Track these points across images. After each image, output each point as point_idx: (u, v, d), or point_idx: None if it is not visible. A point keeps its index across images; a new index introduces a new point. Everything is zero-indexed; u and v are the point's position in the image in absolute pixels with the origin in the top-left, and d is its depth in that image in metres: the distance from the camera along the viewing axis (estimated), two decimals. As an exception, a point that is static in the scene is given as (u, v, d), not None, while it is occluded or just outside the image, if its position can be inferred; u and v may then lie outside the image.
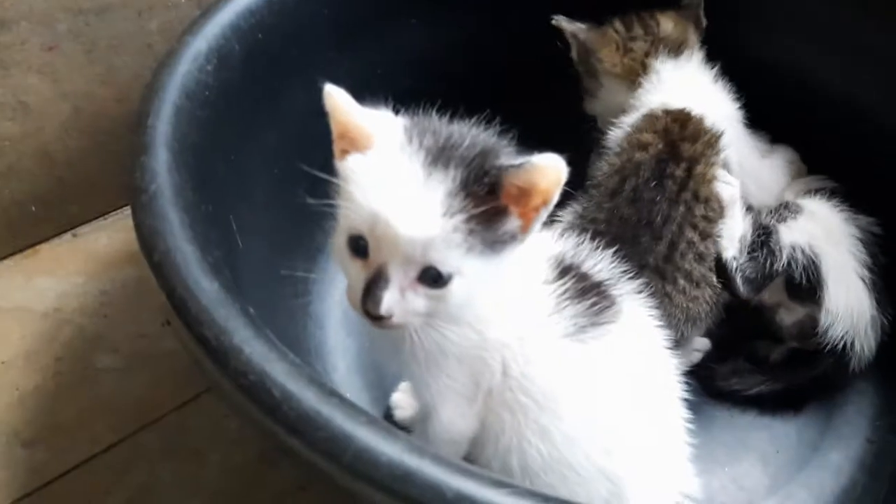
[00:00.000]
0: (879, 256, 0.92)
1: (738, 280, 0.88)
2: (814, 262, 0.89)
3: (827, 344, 0.88)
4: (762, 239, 0.90)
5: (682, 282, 0.84)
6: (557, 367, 0.66)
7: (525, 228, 0.61)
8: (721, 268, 0.88)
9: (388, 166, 0.59)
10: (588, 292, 0.68)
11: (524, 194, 0.59)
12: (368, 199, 0.58)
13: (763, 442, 0.89)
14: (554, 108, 1.14)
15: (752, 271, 0.89)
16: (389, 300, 0.58)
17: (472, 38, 1.13)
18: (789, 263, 0.89)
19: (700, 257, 0.86)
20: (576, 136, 1.11)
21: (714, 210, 0.88)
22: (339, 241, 0.62)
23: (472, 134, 0.62)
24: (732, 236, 0.89)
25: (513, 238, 0.61)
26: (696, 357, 0.93)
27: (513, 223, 0.60)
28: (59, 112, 0.99)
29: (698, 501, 0.73)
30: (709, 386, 0.93)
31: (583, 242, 0.72)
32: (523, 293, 0.67)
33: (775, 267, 0.89)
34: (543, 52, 1.15)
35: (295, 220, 0.93)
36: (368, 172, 0.60)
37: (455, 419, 0.69)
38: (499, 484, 0.50)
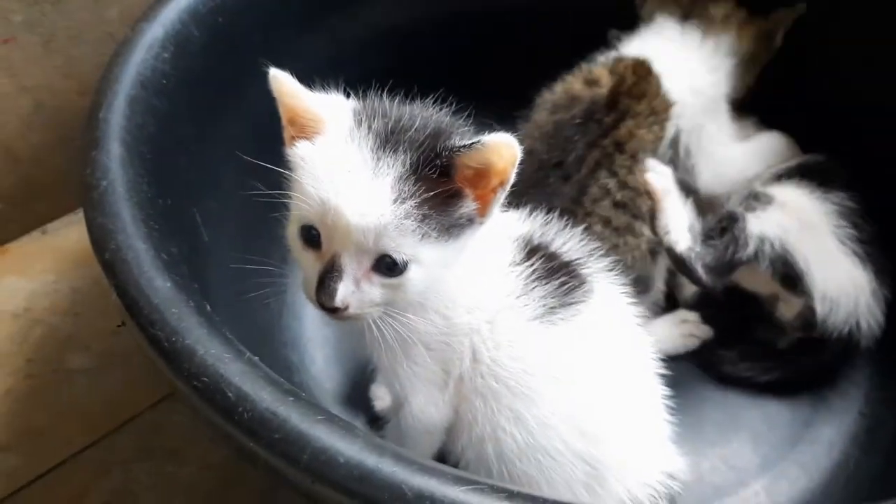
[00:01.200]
0: (865, 227, 0.88)
1: (700, 270, 0.85)
2: (787, 256, 0.85)
3: (832, 332, 0.85)
4: (724, 225, 0.87)
5: (598, 227, 0.82)
6: (528, 350, 0.64)
7: (483, 211, 0.59)
8: (678, 261, 0.86)
9: (336, 153, 0.57)
10: (556, 272, 0.66)
11: (481, 175, 0.57)
12: (317, 187, 0.56)
13: (755, 420, 0.87)
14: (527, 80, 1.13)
15: (712, 259, 0.86)
16: (344, 291, 0.57)
17: (444, 12, 1.10)
18: (756, 255, 0.85)
19: (620, 205, 0.84)
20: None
21: (640, 165, 0.86)
22: (291, 232, 0.60)
23: (423, 115, 0.60)
24: (678, 227, 0.86)
25: (470, 221, 0.59)
26: (693, 343, 0.91)
27: (469, 206, 0.58)
28: (20, 107, 0.96)
29: (683, 480, 0.71)
30: (715, 371, 0.90)
31: (551, 221, 0.70)
32: (490, 276, 0.65)
33: (738, 255, 0.85)
34: (518, 27, 1.13)
35: (267, 209, 0.91)
36: (317, 160, 0.57)
37: (427, 408, 0.67)
38: (460, 480, 0.47)
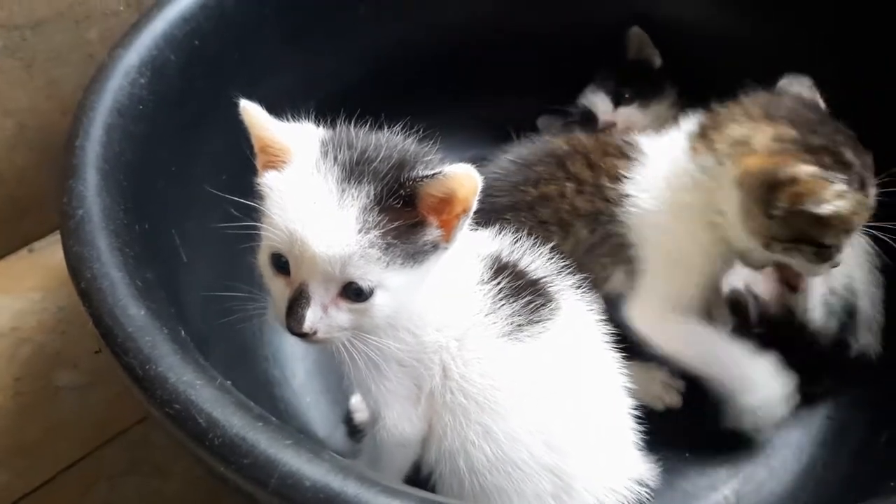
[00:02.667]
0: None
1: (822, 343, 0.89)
2: (854, 293, 0.90)
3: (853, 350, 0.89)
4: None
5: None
6: (496, 367, 0.66)
7: (447, 237, 0.61)
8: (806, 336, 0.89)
9: (303, 183, 0.59)
10: (523, 290, 0.68)
11: (444, 203, 0.59)
12: (284, 217, 0.58)
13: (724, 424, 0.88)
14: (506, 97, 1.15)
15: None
16: (312, 317, 0.59)
17: (422, 27, 1.11)
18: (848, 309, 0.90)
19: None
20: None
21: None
22: (262, 259, 0.62)
23: (389, 145, 0.62)
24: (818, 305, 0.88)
25: (435, 247, 0.61)
26: (658, 405, 0.89)
27: (433, 233, 0.60)
28: (3, 129, 0.98)
29: (654, 487, 0.73)
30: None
31: (520, 240, 0.72)
32: (459, 295, 0.67)
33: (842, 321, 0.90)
34: (496, 41, 1.15)
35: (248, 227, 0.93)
36: (284, 190, 0.60)
37: (400, 422, 0.69)
38: (424, 502, 0.50)
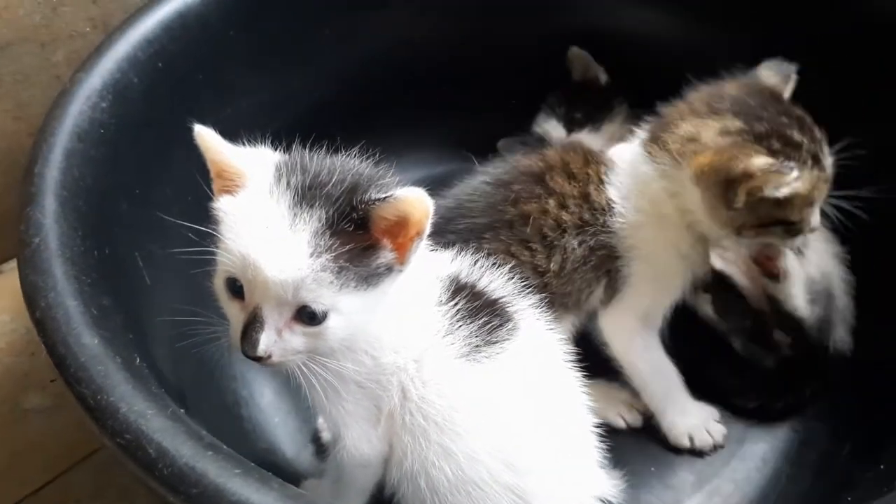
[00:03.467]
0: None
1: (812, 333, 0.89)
2: (831, 286, 0.92)
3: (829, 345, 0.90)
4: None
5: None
6: (454, 388, 0.67)
7: (402, 260, 0.61)
8: (794, 327, 0.89)
9: (256, 208, 0.60)
10: (481, 311, 0.68)
11: (398, 226, 0.60)
12: (238, 242, 0.59)
13: (690, 437, 0.89)
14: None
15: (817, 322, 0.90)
16: (266, 341, 0.59)
17: (388, 47, 1.12)
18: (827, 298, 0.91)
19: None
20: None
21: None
22: (217, 283, 0.63)
23: (343, 169, 0.62)
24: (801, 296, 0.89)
25: (389, 270, 0.61)
26: (620, 423, 0.90)
27: (387, 256, 0.61)
28: (-29, 152, 0.98)
29: (618, 503, 0.74)
30: (725, 404, 0.92)
31: (480, 260, 0.73)
32: (417, 316, 0.67)
33: (824, 309, 0.91)
34: (463, 60, 1.16)
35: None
36: (238, 214, 0.60)
37: (359, 444, 0.69)
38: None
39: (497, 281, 0.72)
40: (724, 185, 0.76)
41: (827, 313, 0.90)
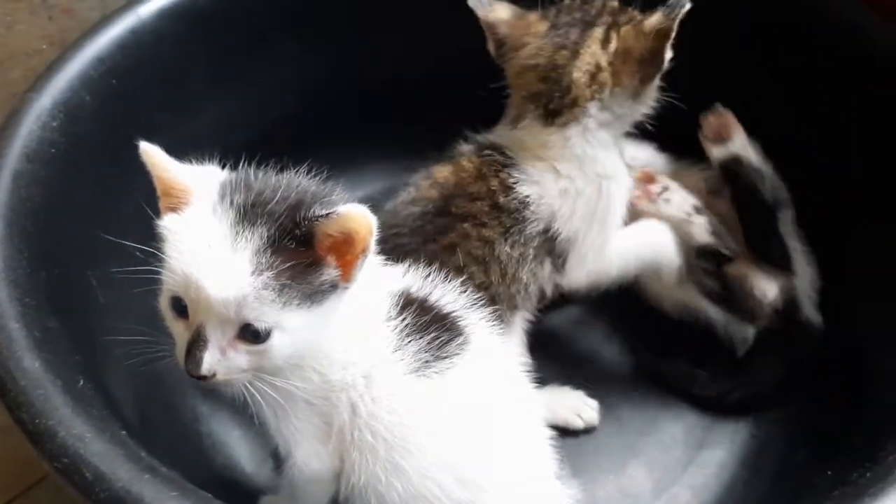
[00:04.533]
0: None
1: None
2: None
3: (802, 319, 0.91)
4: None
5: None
6: (404, 403, 0.67)
7: (346, 276, 0.61)
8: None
9: (199, 226, 0.60)
10: (430, 326, 0.68)
11: (342, 242, 0.60)
12: (181, 260, 0.59)
13: (649, 445, 0.90)
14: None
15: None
16: (209, 360, 0.59)
17: (352, 59, 1.12)
18: None
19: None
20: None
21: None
22: (162, 302, 0.63)
23: (287, 186, 0.62)
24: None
25: (334, 287, 0.61)
26: (577, 423, 0.90)
27: (331, 273, 0.61)
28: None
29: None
30: (686, 394, 0.93)
31: (431, 275, 0.73)
32: (365, 332, 0.67)
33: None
34: (423, 71, 1.16)
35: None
36: (182, 232, 0.60)
37: (310, 460, 0.69)
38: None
39: (448, 295, 0.72)
40: (651, 59, 0.81)
41: (790, 284, 0.91)
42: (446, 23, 1.10)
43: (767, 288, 0.90)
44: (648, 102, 0.86)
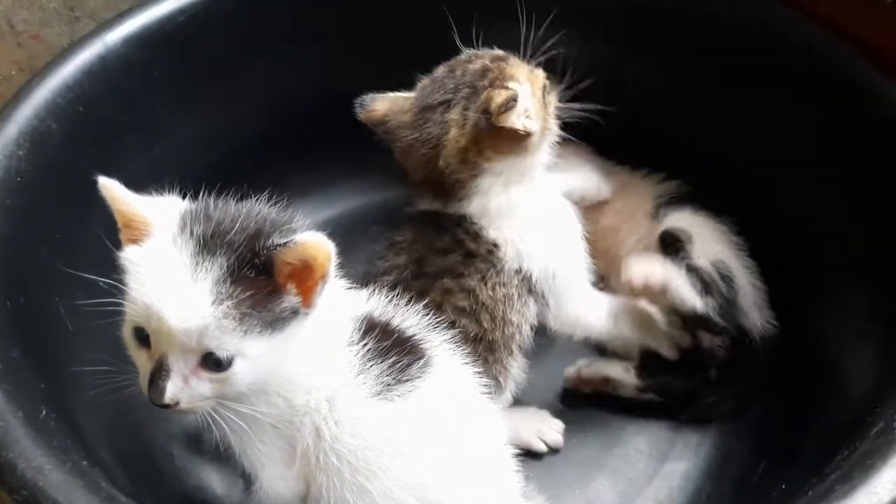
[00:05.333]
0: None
1: (719, 320, 0.90)
2: (729, 272, 0.93)
3: (754, 340, 0.93)
4: (699, 279, 0.91)
5: None
6: (367, 426, 0.68)
7: (307, 303, 0.63)
8: (703, 321, 0.90)
9: (160, 257, 0.61)
10: (392, 349, 0.69)
11: (302, 270, 0.61)
12: (142, 291, 0.60)
13: (614, 458, 0.91)
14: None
15: (716, 308, 0.90)
16: (172, 389, 0.61)
17: (322, 79, 1.13)
18: (725, 281, 0.92)
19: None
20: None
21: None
22: (126, 332, 0.64)
23: (247, 216, 0.64)
24: (689, 293, 0.89)
25: (295, 313, 0.63)
26: (541, 446, 0.91)
27: (291, 300, 0.62)
28: None
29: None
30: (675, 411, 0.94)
31: (394, 298, 0.74)
32: (329, 356, 0.68)
33: (725, 294, 0.91)
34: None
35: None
36: (143, 264, 0.62)
37: (275, 484, 0.70)
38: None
39: (411, 318, 0.73)
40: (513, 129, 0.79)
41: (730, 297, 0.92)
42: (410, 44, 1.14)
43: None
44: (547, 140, 0.85)
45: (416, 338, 0.72)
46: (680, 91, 1.04)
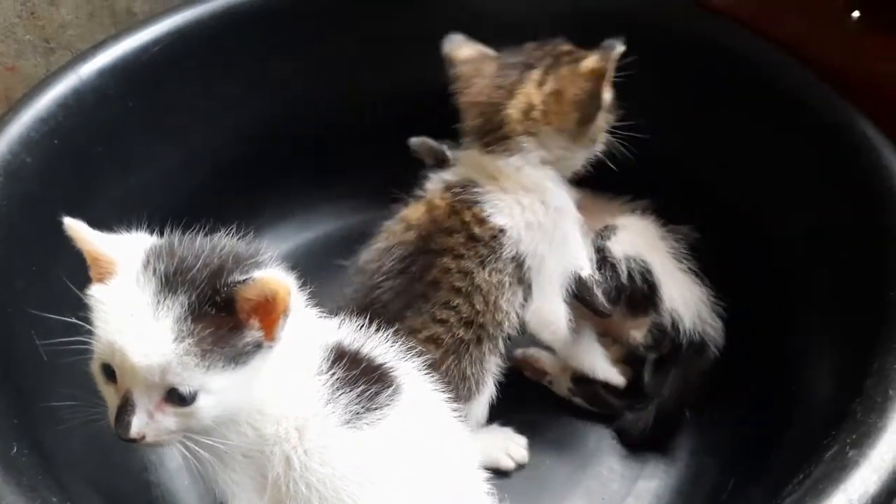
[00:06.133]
0: (698, 255, 0.99)
1: (598, 294, 0.91)
2: (646, 267, 0.95)
3: (683, 340, 0.94)
4: (601, 257, 0.95)
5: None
6: (337, 455, 0.68)
7: (270, 337, 0.64)
8: (584, 286, 0.91)
9: (123, 295, 0.62)
10: (361, 378, 0.70)
11: (263, 305, 0.62)
12: (106, 329, 0.62)
13: (588, 478, 0.92)
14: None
15: (605, 286, 0.93)
16: (138, 424, 0.62)
17: (298, 100, 1.15)
18: (629, 274, 0.95)
19: (431, 340, 0.86)
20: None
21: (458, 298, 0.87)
22: (94, 368, 0.65)
23: (210, 252, 0.65)
24: (582, 255, 0.91)
25: (258, 347, 0.64)
26: (508, 463, 0.93)
27: (254, 335, 0.63)
28: None
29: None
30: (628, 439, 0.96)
31: (364, 326, 0.75)
32: (297, 386, 0.69)
33: (621, 280, 0.94)
34: (372, 113, 1.19)
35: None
36: (107, 302, 0.63)
37: None
38: None
39: (381, 346, 0.74)
40: (586, 100, 0.87)
41: (639, 290, 0.95)
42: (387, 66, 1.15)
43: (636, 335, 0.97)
44: (592, 147, 0.91)
45: (385, 366, 0.73)
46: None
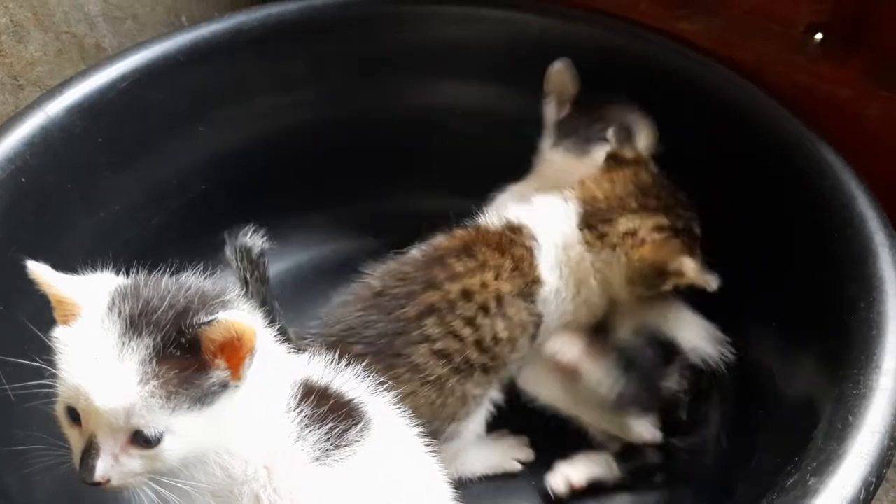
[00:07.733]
0: None
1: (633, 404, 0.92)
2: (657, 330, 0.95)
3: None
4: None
5: (404, 372, 0.84)
6: (307, 493, 0.68)
7: (236, 376, 0.63)
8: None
9: (87, 338, 0.62)
10: (329, 415, 0.70)
11: (229, 345, 0.62)
12: (70, 372, 0.61)
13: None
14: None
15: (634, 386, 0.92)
16: (102, 467, 0.61)
17: (267, 134, 1.15)
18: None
19: (439, 354, 0.85)
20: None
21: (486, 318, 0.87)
22: (58, 410, 0.64)
23: (175, 293, 0.64)
24: (603, 382, 0.92)
25: (224, 387, 0.63)
26: (515, 466, 0.94)
27: (219, 375, 0.63)
28: None
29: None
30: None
31: (333, 361, 0.75)
32: (265, 424, 0.69)
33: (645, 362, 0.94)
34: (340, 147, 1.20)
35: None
36: (71, 344, 0.62)
37: None
38: None
39: (350, 381, 0.74)
40: (657, 273, 0.89)
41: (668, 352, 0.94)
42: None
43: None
44: (615, 295, 0.93)
45: (354, 401, 0.73)
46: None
